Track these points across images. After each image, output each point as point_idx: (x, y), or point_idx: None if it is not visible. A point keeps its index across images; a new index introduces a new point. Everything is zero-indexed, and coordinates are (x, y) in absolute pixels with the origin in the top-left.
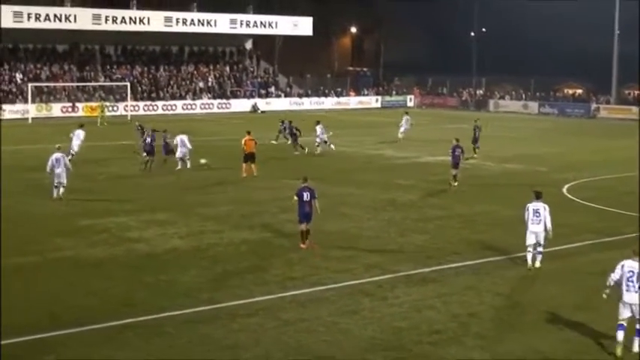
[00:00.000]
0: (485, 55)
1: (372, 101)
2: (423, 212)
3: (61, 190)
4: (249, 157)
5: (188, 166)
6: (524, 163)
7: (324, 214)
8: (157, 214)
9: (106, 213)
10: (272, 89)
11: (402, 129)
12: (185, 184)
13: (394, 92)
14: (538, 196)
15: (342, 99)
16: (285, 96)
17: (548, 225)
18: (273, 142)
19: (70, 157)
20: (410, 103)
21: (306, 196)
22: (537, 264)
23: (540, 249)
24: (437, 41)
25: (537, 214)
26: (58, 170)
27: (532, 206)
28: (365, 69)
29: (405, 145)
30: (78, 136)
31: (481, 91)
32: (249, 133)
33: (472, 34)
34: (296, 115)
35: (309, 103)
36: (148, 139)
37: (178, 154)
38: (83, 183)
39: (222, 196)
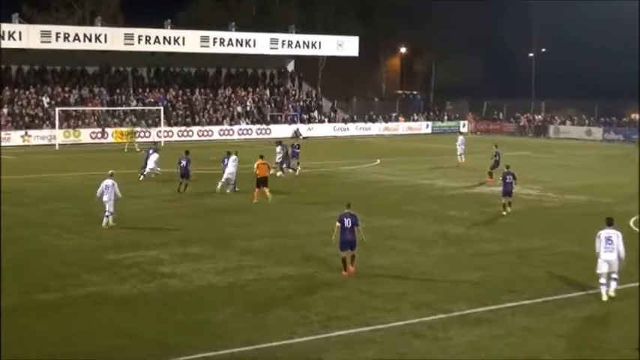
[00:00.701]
0: (545, 78)
1: (423, 127)
2: (477, 247)
3: (111, 219)
4: (262, 182)
5: (235, 189)
6: (587, 195)
7: (370, 247)
8: (190, 246)
9: (136, 246)
10: (315, 114)
11: (459, 150)
12: (219, 213)
13: (446, 117)
14: (610, 223)
15: (391, 124)
16: (329, 121)
17: (622, 253)
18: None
19: (154, 173)
20: (463, 129)
21: (347, 222)
22: (612, 292)
23: (615, 275)
24: (492, 63)
25: (610, 242)
26: (105, 198)
27: (604, 233)
28: (415, 92)
29: (458, 174)
30: (152, 158)
31: (540, 116)
32: (261, 157)
33: (531, 55)
34: (340, 141)
35: (355, 129)
36: (183, 162)
37: (226, 175)
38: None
39: (260, 228)
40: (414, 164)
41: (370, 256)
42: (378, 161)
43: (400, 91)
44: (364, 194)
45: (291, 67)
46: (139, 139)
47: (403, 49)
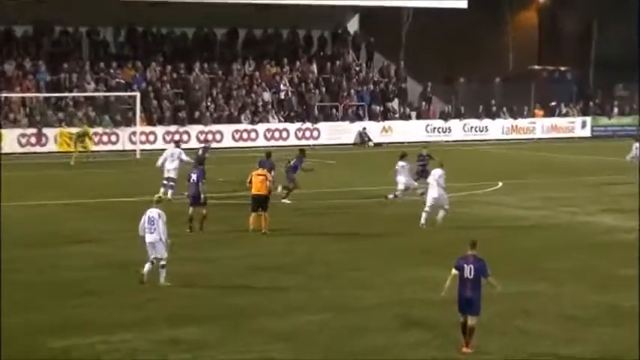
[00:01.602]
0: None
1: (576, 125)
2: None
3: (163, 275)
4: (258, 203)
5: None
6: None
7: (487, 327)
8: (182, 327)
9: (93, 326)
10: (394, 104)
11: (635, 165)
12: (239, 264)
13: (615, 110)
14: None
15: (521, 121)
16: (419, 117)
17: None
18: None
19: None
20: None
21: (469, 270)
22: None
23: None
24: None
25: None
26: (150, 238)
27: None
28: (562, 68)
29: (634, 206)
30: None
31: None
32: (260, 165)
33: None
34: (437, 149)
35: (462, 130)
36: (193, 176)
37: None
38: (49, 273)
39: (299, 294)
40: (561, 190)
41: (486, 341)
42: (501, 184)
43: (538, 67)
44: (479, 239)
45: (354, 26)
46: (99, 148)
47: None
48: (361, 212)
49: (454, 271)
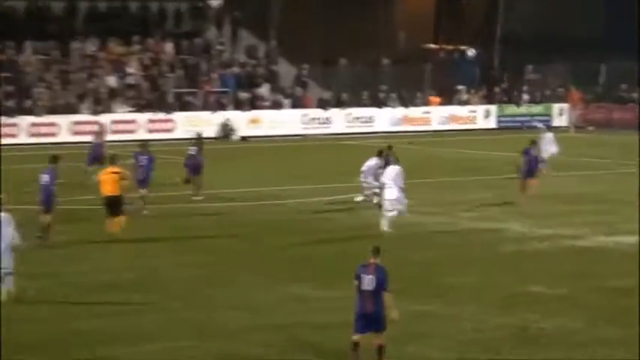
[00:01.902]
0: None
1: (479, 115)
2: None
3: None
4: (111, 206)
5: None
6: None
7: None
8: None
9: None
10: (264, 90)
11: (544, 156)
12: (85, 281)
13: (525, 97)
14: None
15: (413, 111)
16: (293, 105)
17: None
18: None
19: None
20: (559, 121)
21: (368, 281)
22: None
23: None
24: None
25: None
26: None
27: None
28: (463, 47)
29: (547, 209)
30: None
31: None
32: (112, 161)
33: None
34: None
35: (344, 121)
36: (45, 178)
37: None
38: None
39: (155, 317)
40: (461, 191)
41: None
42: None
43: (434, 46)
44: (363, 250)
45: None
46: None
47: None
48: (225, 219)
49: (355, 282)
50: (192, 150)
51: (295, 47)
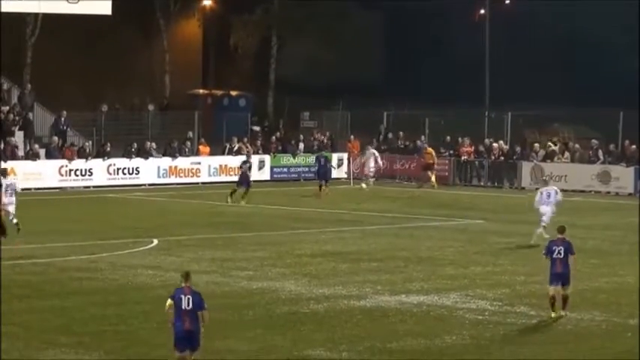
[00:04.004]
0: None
1: (253, 166)
2: None
3: None
4: None
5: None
6: None
7: None
8: None
9: None
10: (17, 139)
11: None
12: None
13: (301, 146)
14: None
15: (182, 161)
16: (49, 156)
17: None
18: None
19: None
20: (338, 173)
21: (187, 301)
22: None
23: None
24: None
25: None
26: None
27: None
28: (234, 93)
29: (323, 266)
30: None
31: (505, 143)
32: None
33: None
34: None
35: (106, 172)
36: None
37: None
38: None
39: None
40: (235, 249)
41: None
42: (156, 242)
43: (202, 91)
44: (127, 312)
45: None
46: None
47: (207, 1)
48: None
49: (169, 301)
50: None
51: (53, 92)
